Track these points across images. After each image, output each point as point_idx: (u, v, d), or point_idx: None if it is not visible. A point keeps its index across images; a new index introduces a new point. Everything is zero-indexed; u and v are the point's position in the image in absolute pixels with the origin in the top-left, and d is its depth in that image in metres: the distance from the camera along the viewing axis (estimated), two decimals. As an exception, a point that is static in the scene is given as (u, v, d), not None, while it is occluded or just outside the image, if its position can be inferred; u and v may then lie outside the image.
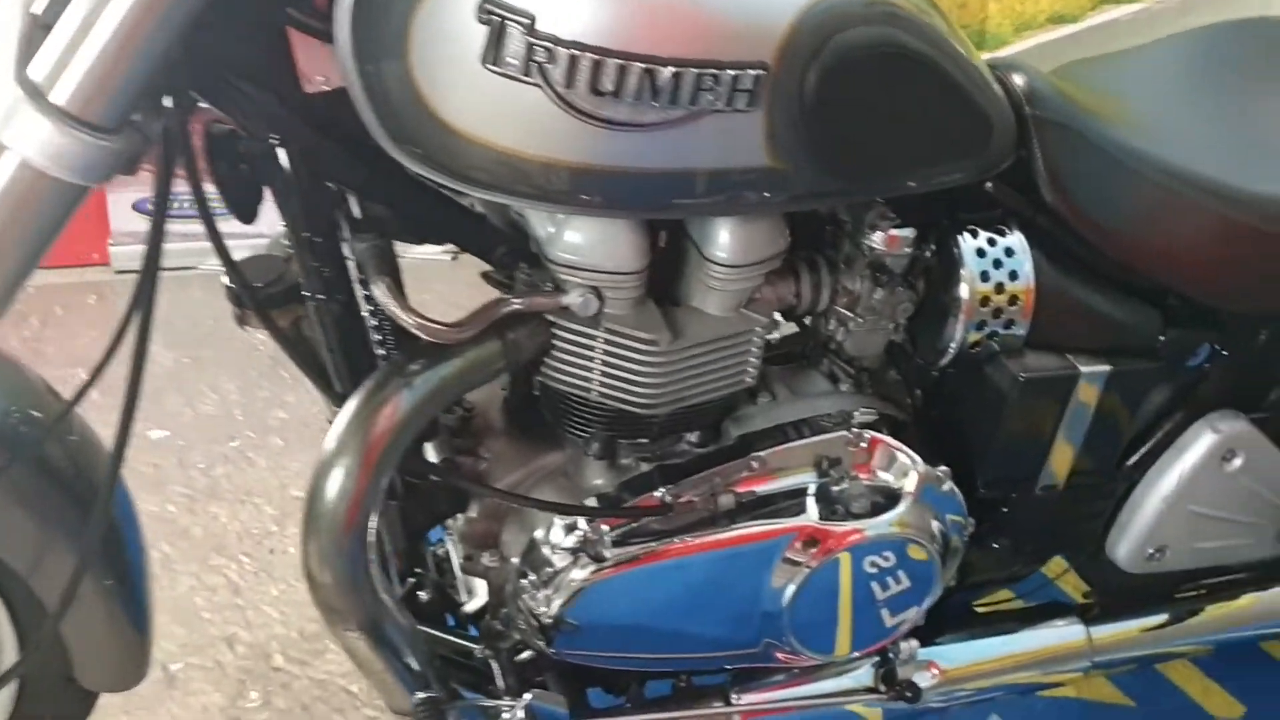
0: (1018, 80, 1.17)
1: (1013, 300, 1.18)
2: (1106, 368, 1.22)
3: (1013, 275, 1.18)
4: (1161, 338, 1.26)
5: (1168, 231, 1.20)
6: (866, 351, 1.23)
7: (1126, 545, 1.36)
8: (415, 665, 1.12)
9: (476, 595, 1.25)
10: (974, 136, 1.09)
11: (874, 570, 1.19)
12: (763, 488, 1.17)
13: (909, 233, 1.16)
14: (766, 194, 0.99)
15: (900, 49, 0.99)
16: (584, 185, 0.94)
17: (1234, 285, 1.24)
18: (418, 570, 1.24)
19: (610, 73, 0.87)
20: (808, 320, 1.26)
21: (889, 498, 1.19)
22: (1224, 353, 1.31)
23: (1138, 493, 1.34)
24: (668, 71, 0.88)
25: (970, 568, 1.35)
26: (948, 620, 1.40)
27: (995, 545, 1.31)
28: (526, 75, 0.87)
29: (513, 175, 0.94)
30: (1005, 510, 1.31)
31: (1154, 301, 1.25)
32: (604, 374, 1.09)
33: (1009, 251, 1.19)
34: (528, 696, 1.15)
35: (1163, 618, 1.49)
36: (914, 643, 1.30)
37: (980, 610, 1.46)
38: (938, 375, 1.27)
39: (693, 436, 1.19)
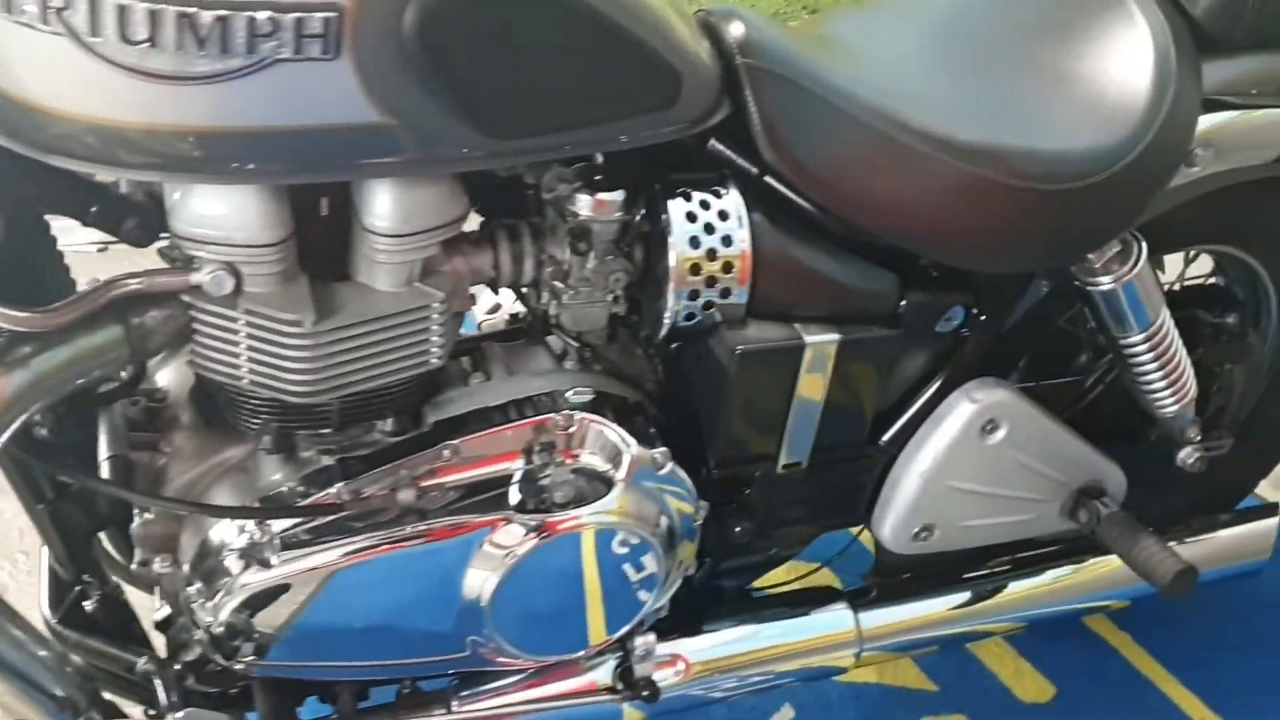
0: (731, 28, 1.07)
1: (727, 267, 1.08)
2: (836, 336, 1.13)
3: (726, 240, 1.08)
4: (903, 303, 1.17)
5: (900, 188, 1.10)
6: (586, 325, 1.13)
7: (890, 525, 1.28)
8: (58, 690, 1.01)
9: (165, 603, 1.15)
10: (654, 90, 0.98)
11: (586, 563, 1.10)
12: (457, 478, 1.07)
13: (616, 196, 1.07)
14: (389, 157, 0.88)
15: None
16: (169, 149, 0.83)
17: (977, 244, 1.14)
18: (85, 578, 1.14)
19: (139, 18, 0.75)
20: (523, 292, 1.16)
21: (603, 483, 1.10)
22: (981, 317, 1.22)
23: (896, 469, 1.25)
24: (209, 16, 0.76)
25: (720, 551, 1.27)
26: (711, 607, 1.32)
27: (739, 528, 1.22)
28: (45, 24, 0.76)
29: (99, 143, 0.83)
30: (748, 491, 1.22)
31: (894, 264, 1.16)
32: (251, 359, 0.97)
33: (723, 215, 1.09)
34: (179, 715, 1.06)
35: (959, 598, 1.41)
36: (650, 638, 1.21)
37: (754, 596, 1.38)
38: (674, 349, 1.18)
39: (386, 424, 1.09)
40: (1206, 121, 1.20)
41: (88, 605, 1.13)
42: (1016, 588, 1.44)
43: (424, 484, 1.06)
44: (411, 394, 1.07)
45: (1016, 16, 1.23)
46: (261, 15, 0.77)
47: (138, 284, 0.94)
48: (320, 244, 0.99)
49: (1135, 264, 1.21)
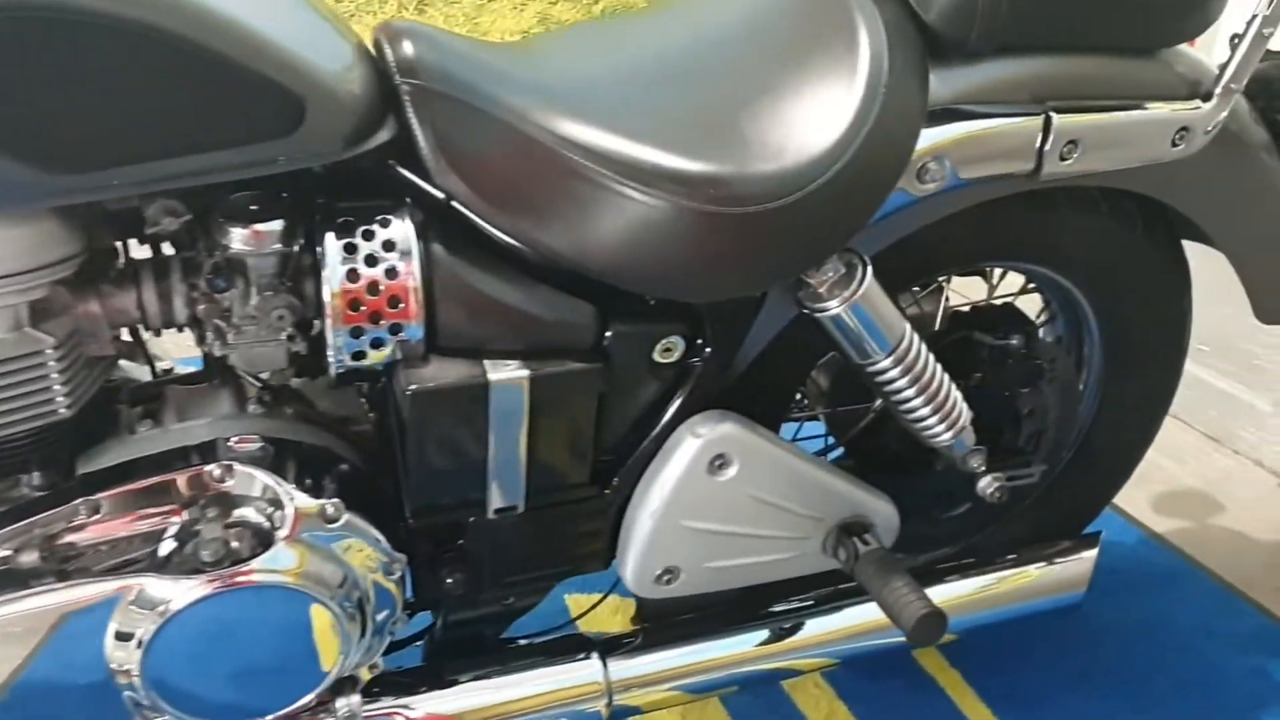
0: (401, 47, 0.99)
1: (394, 302, 1.00)
2: (525, 373, 1.05)
3: (391, 273, 1.00)
4: (608, 334, 1.09)
5: (579, 214, 1.00)
6: (262, 366, 1.05)
7: (631, 568, 1.18)
8: None
9: None
10: (265, 117, 0.90)
11: (248, 625, 1.02)
12: (97, 536, 1.00)
13: (271, 227, 0.99)
14: None
15: (76, 14, 0.81)
16: None
17: (664, 273, 1.04)
18: None
19: None
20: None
21: (264, 540, 1.02)
22: (705, 347, 1.13)
23: (630, 509, 1.16)
24: None
25: (449, 604, 1.19)
26: (456, 660, 1.23)
27: (451, 579, 1.13)
28: None
29: None
30: (460, 539, 1.13)
31: (597, 292, 1.07)
32: None
33: (389, 245, 1.01)
34: None
35: (757, 637, 1.32)
36: (354, 699, 1.13)
37: (507, 647, 1.29)
38: (380, 389, 1.10)
39: (33, 478, 1.02)
40: (939, 134, 1.10)
41: None
42: (800, 626, 1.34)
43: (60, 542, 0.99)
44: (52, 445, 1.00)
45: (738, 27, 1.14)
46: None
47: None
48: None
49: (859, 285, 1.11)
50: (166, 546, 1.00)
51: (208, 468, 1.01)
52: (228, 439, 1.03)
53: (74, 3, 0.80)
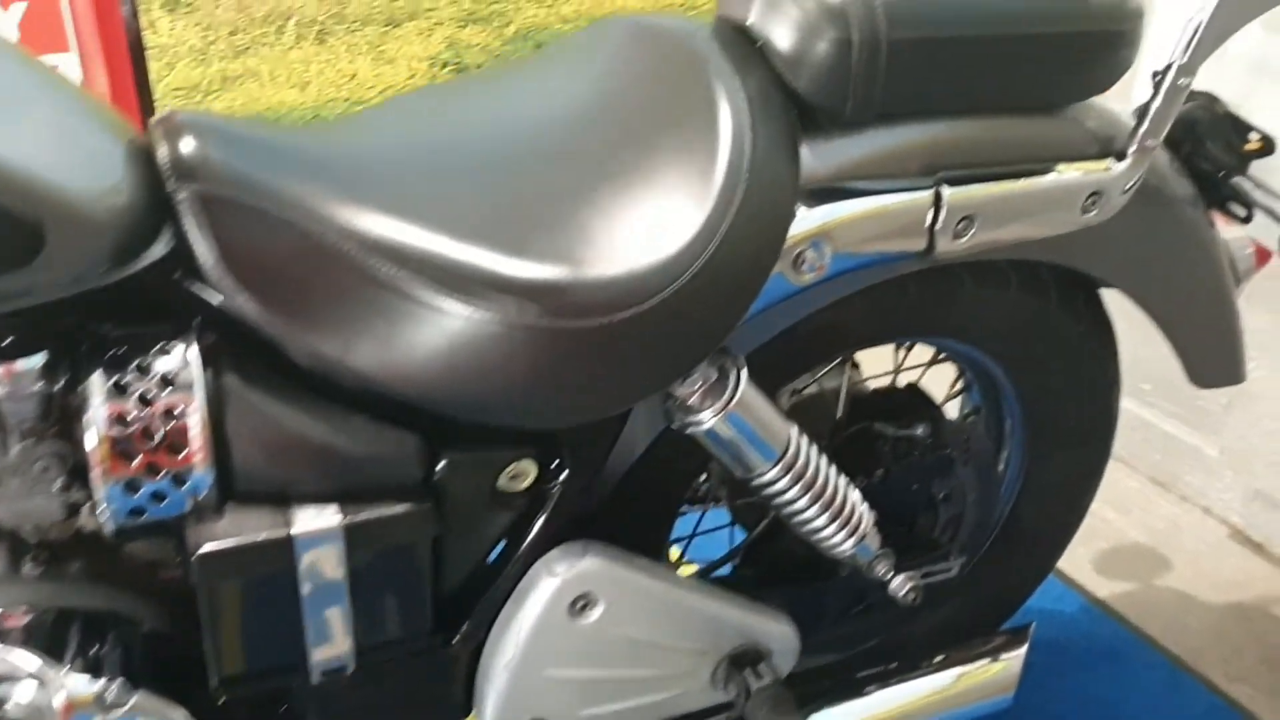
0: (179, 145, 0.84)
1: (175, 448, 0.85)
2: (338, 521, 0.90)
3: (169, 415, 0.85)
4: (440, 466, 0.94)
5: (400, 334, 0.86)
6: (35, 521, 0.89)
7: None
8: None
9: None
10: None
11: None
12: None
13: (30, 365, 0.84)
14: None
15: None
16: None
17: (513, 399, 0.90)
18: None
19: None
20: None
21: None
22: (561, 472, 0.99)
23: (484, 659, 1.02)
24: None
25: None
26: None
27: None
28: None
29: None
30: (284, 708, 0.98)
31: (422, 420, 0.92)
32: None
33: (166, 381, 0.85)
34: None
35: None
36: None
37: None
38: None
39: None
40: (816, 216, 0.96)
41: None
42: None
43: None
44: None
45: (581, 100, 0.99)
46: None
47: None
48: None
49: (733, 393, 0.97)
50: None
51: (-45, 647, 0.86)
52: (-8, 610, 0.88)
53: None
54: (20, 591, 0.89)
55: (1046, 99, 1.04)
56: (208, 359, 0.87)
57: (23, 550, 0.91)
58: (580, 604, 0.99)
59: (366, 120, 1.02)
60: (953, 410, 1.38)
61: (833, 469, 1.07)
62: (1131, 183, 1.07)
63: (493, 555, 1.00)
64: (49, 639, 0.88)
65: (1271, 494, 1.83)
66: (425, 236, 0.86)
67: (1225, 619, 1.71)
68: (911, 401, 1.22)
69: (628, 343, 0.87)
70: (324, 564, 0.90)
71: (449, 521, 0.95)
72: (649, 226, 0.89)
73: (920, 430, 1.16)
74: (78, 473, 0.87)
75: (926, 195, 0.99)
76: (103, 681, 0.87)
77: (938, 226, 1.00)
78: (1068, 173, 1.05)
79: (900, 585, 1.18)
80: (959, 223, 1.01)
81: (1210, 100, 1.22)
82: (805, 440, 1.04)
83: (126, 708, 0.88)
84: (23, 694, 0.86)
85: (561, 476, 0.98)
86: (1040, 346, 1.23)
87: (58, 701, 0.85)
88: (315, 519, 0.89)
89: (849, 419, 1.16)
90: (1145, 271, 1.18)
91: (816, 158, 0.97)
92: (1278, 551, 1.83)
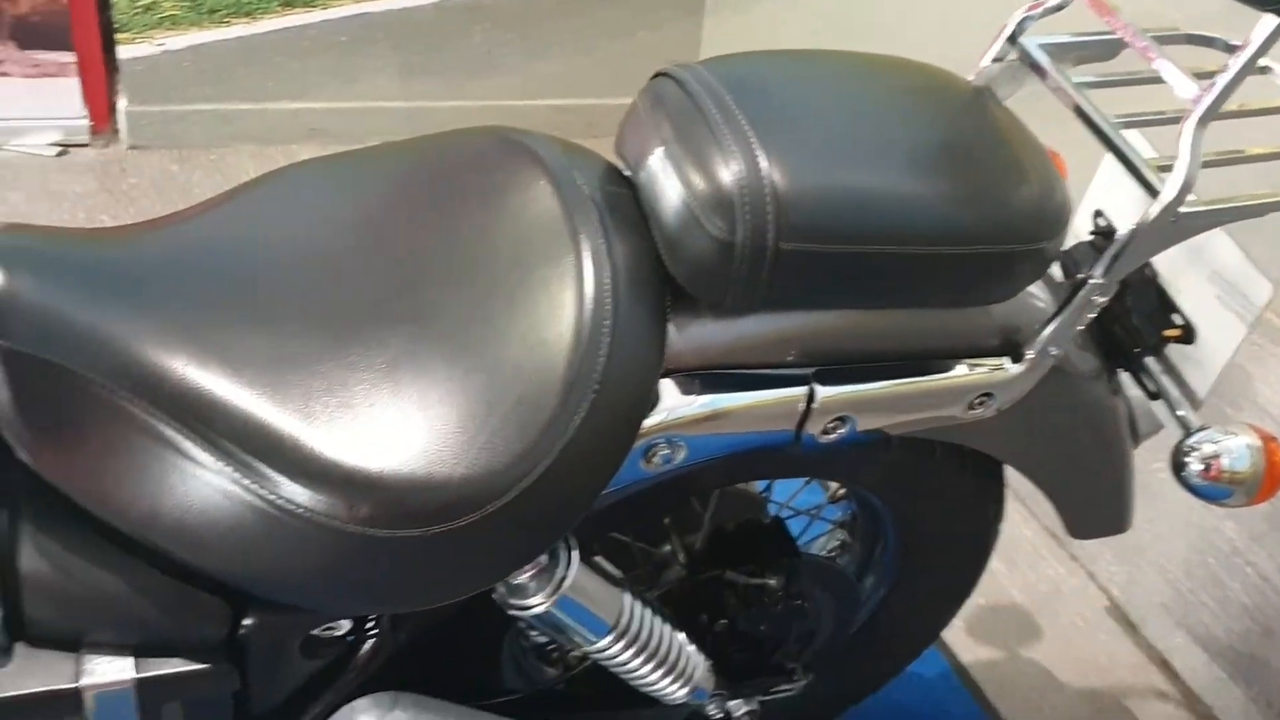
0: None
1: (-47, 598, 0.82)
2: (130, 676, 0.87)
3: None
4: (244, 625, 0.90)
5: (194, 516, 0.80)
6: None
7: None
8: None
9: None
10: None
11: None
12: None
13: None
14: None
15: None
16: None
17: (320, 595, 0.86)
18: None
19: None
20: None
21: None
22: (371, 629, 0.96)
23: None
24: None
25: None
26: None
27: None
28: None
29: None
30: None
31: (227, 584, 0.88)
32: None
33: (-52, 527, 0.82)
34: None
35: None
36: None
37: None
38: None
39: None
40: (675, 407, 0.91)
41: None
42: None
43: None
44: None
45: (439, 243, 0.91)
46: None
47: None
48: None
49: (565, 577, 0.94)
50: None
51: None
52: None
53: None
54: None
55: (942, 305, 0.98)
56: (1, 501, 0.83)
57: None
58: (379, 754, 0.98)
59: (210, 228, 0.93)
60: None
61: (667, 628, 1.05)
62: (1025, 388, 1.02)
63: (302, 691, 0.98)
64: None
65: (1150, 585, 1.84)
66: (236, 406, 0.80)
67: (1081, 707, 1.75)
68: (772, 542, 1.19)
69: (454, 549, 0.83)
70: (117, 710, 0.88)
71: (253, 673, 0.92)
72: (488, 419, 0.83)
73: (774, 580, 1.14)
74: None
75: (798, 393, 0.94)
76: None
77: (807, 424, 0.96)
78: (956, 370, 1.00)
79: (737, 708, 1.19)
80: (831, 422, 0.96)
81: (1144, 266, 1.16)
82: (638, 607, 1.01)
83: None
84: None
85: (380, 625, 0.96)
86: (922, 490, 1.20)
87: None
88: (107, 671, 0.87)
89: (701, 562, 1.14)
90: (1034, 448, 1.14)
91: (684, 339, 0.92)
92: (1148, 635, 1.85)
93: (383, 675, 0.98)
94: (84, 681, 0.86)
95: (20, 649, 0.86)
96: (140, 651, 0.88)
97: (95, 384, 0.79)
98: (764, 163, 0.85)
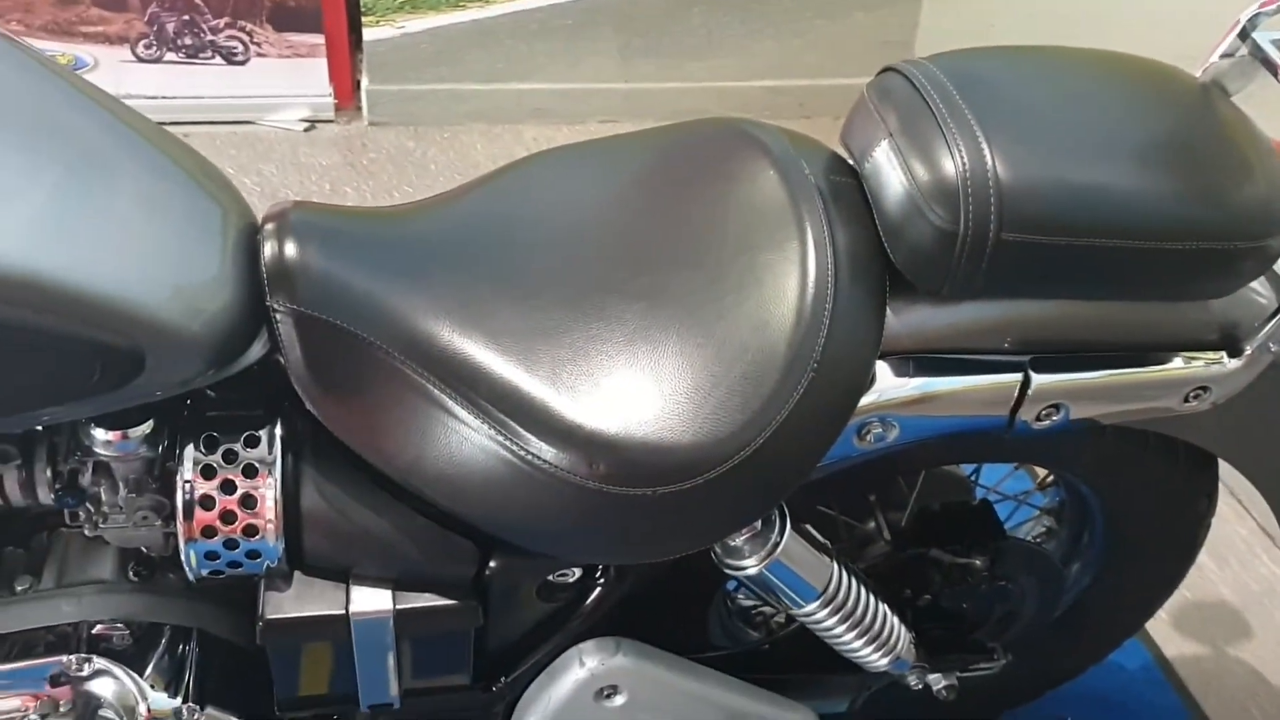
0: (282, 252, 0.90)
1: (250, 530, 0.94)
2: (389, 608, 0.98)
3: (248, 501, 0.93)
4: (490, 567, 1.00)
5: (461, 468, 0.90)
6: (138, 544, 1.01)
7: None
8: None
9: None
10: (103, 371, 0.83)
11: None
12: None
13: (138, 431, 0.93)
14: None
15: None
16: None
17: (562, 542, 0.95)
18: None
19: None
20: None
21: (113, 741, 1.01)
22: (600, 576, 1.05)
23: (516, 715, 1.11)
24: None
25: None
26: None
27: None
28: None
29: None
30: (337, 728, 1.11)
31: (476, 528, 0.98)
32: None
33: (250, 470, 0.94)
34: None
35: None
36: None
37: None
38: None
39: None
40: (889, 389, 0.95)
41: None
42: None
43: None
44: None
45: (673, 224, 0.98)
46: None
47: None
48: None
49: (777, 544, 1.00)
50: (17, 736, 1.00)
51: (66, 659, 0.99)
52: (92, 623, 1.01)
53: None
54: (119, 602, 1.02)
55: (1161, 299, 0.98)
56: (287, 446, 0.95)
57: (124, 565, 1.04)
58: (606, 692, 1.07)
59: (474, 208, 1.03)
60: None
61: (873, 599, 1.10)
62: (1243, 383, 1.02)
63: (533, 633, 1.08)
64: (139, 651, 1.01)
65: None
66: (495, 371, 0.90)
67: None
68: (979, 523, 1.21)
69: (679, 509, 0.90)
70: (375, 637, 1.00)
71: (493, 612, 1.03)
72: (714, 391, 0.89)
73: (979, 561, 1.17)
74: (174, 517, 0.98)
75: (1013, 379, 0.97)
76: (179, 700, 1.00)
77: (1021, 410, 0.98)
78: (1173, 363, 1.00)
79: (936, 682, 1.22)
80: (1045, 408, 0.99)
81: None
82: (847, 576, 1.07)
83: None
84: (112, 701, 1.00)
85: (606, 575, 1.05)
86: (1133, 481, 1.20)
87: (141, 711, 0.99)
88: (370, 601, 0.98)
89: (907, 539, 1.18)
90: (1250, 444, 1.13)
91: (902, 323, 0.96)
92: (1372, 642, 1.77)
93: (606, 622, 1.07)
94: (351, 609, 0.98)
95: (298, 577, 0.99)
96: (399, 586, 0.99)
97: (375, 346, 0.90)
98: (988, 154, 0.88)
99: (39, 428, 0.93)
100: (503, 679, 1.09)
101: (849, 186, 0.97)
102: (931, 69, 0.95)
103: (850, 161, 0.99)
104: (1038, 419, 0.99)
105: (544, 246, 0.98)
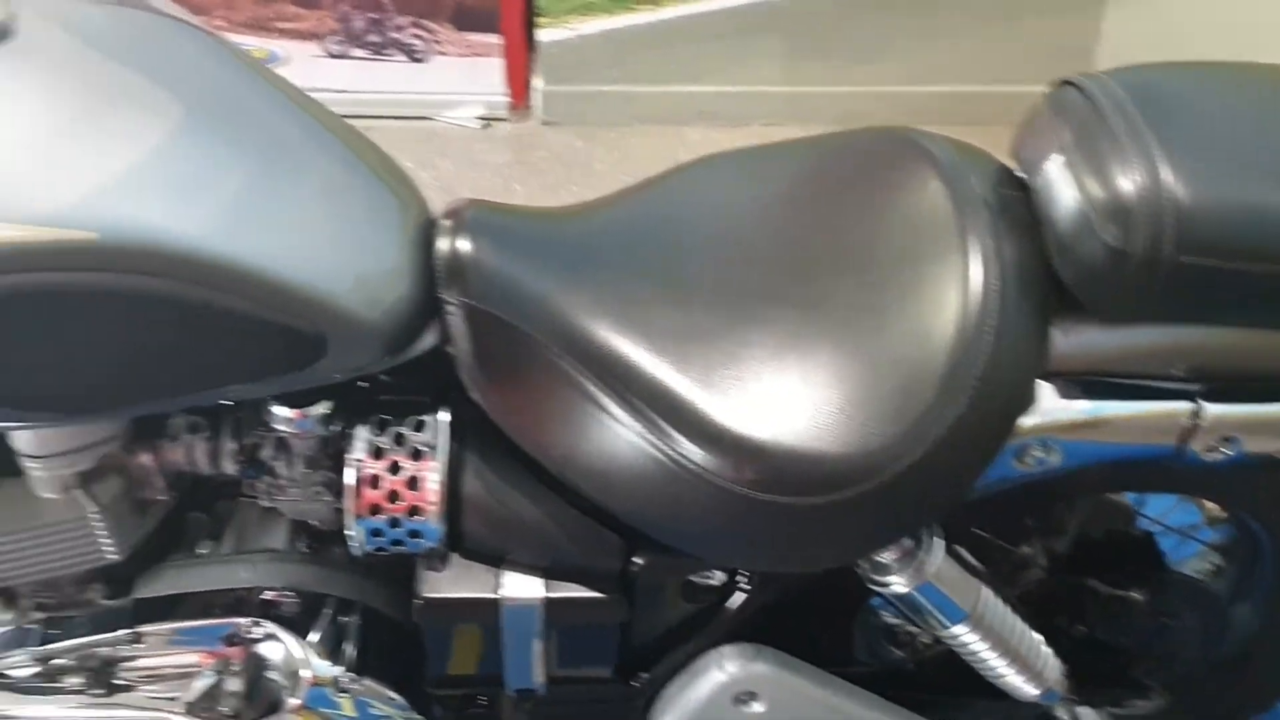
0: (456, 248, 0.94)
1: (414, 510, 0.98)
2: (539, 595, 1.01)
3: (414, 484, 0.98)
4: (635, 564, 1.02)
5: (615, 466, 0.93)
6: (309, 517, 1.07)
7: (654, 764, 1.16)
8: None
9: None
10: (287, 353, 0.89)
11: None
12: (136, 665, 1.06)
13: (315, 410, 0.99)
14: None
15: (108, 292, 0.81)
16: None
17: (711, 545, 0.96)
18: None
19: None
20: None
21: (275, 705, 1.06)
22: (744, 583, 1.05)
23: (654, 711, 1.13)
24: None
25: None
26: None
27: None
28: None
29: None
30: (481, 710, 1.14)
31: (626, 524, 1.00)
32: None
33: (416, 454, 0.98)
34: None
35: None
36: None
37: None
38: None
39: (96, 599, 1.09)
40: (1051, 412, 0.93)
41: None
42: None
43: (109, 663, 1.07)
44: (109, 577, 1.07)
45: (836, 232, 0.98)
46: None
47: None
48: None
49: (928, 566, 0.99)
50: (195, 690, 1.07)
51: (240, 621, 1.06)
52: (264, 590, 1.07)
53: (101, 283, 0.81)
54: (290, 572, 1.08)
55: None
56: (452, 432, 0.99)
57: (295, 537, 1.10)
58: (744, 697, 1.07)
59: (639, 210, 1.05)
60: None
61: (1024, 626, 1.07)
62: None
63: (674, 632, 1.10)
64: (304, 620, 1.07)
65: None
66: (649, 371, 0.91)
67: None
68: (1140, 555, 1.17)
69: (826, 520, 0.90)
70: (524, 623, 1.03)
71: (639, 605, 1.05)
72: (866, 403, 0.89)
73: (1139, 594, 1.12)
74: (343, 494, 1.03)
75: (1183, 407, 0.94)
76: (341, 668, 1.06)
77: (1191, 441, 0.95)
78: (1365, 399, 0.95)
79: (1086, 718, 1.19)
80: (1216, 440, 0.95)
81: None
82: (996, 600, 1.04)
83: (356, 691, 1.06)
84: (279, 664, 1.06)
85: (750, 580, 1.05)
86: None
87: (304, 679, 1.05)
88: (521, 587, 1.02)
89: (1064, 567, 1.14)
90: None
91: (1068, 344, 0.93)
92: None
93: (747, 628, 1.08)
94: (502, 593, 1.02)
95: (454, 559, 1.03)
96: (548, 574, 1.02)
97: (538, 342, 0.93)
98: (1166, 174, 0.85)
99: (227, 403, 1.00)
100: (643, 675, 1.11)
101: (1017, 200, 0.95)
102: (1110, 83, 0.93)
103: (1018, 174, 0.98)
104: (1208, 450, 0.96)
105: (704, 250, 0.99)
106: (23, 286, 0.79)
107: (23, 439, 0.94)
